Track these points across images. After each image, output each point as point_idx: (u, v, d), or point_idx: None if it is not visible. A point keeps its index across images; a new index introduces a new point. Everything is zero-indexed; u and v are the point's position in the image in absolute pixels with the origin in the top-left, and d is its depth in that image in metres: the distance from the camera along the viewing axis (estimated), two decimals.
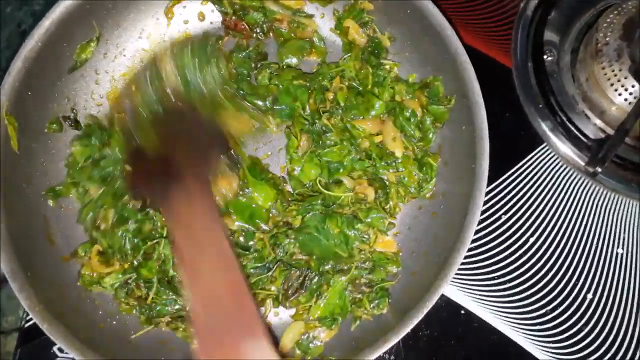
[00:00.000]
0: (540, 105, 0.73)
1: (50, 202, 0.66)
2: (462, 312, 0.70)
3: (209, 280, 0.47)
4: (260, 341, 0.44)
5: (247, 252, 0.66)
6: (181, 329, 0.65)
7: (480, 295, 0.70)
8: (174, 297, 0.64)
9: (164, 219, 0.64)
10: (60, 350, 0.70)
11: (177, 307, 0.65)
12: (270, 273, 0.66)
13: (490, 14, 0.80)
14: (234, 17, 0.73)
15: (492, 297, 0.70)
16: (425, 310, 0.59)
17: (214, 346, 0.44)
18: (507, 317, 0.69)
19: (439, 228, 0.66)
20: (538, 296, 0.70)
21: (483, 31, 0.79)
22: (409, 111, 0.69)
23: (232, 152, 0.66)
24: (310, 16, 0.75)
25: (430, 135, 0.69)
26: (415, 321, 0.58)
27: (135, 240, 0.65)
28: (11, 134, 0.62)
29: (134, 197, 0.64)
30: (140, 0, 0.72)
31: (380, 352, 0.58)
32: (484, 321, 0.69)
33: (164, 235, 0.65)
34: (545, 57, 0.75)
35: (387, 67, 0.72)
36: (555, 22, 0.76)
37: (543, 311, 0.69)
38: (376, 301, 0.65)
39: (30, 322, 0.71)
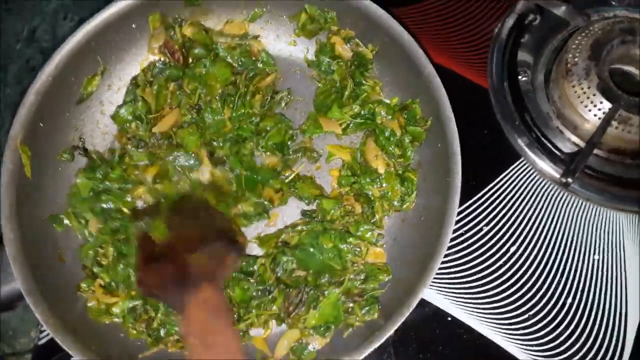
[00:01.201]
0: (517, 123, 0.77)
1: (59, 229, 0.71)
2: (449, 318, 0.73)
3: None
4: None
5: (250, 278, 0.70)
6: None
7: (465, 302, 0.73)
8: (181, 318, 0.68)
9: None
10: None
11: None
12: (271, 295, 0.70)
13: (467, 38, 0.85)
14: (176, 46, 0.77)
15: (477, 304, 0.73)
16: (407, 312, 0.63)
17: None
18: (491, 322, 0.72)
19: (420, 238, 0.70)
20: (521, 302, 0.73)
21: (460, 54, 0.84)
22: (389, 131, 0.74)
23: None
24: (256, 37, 0.80)
25: (409, 153, 0.75)
26: (398, 323, 0.63)
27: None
28: (25, 162, 0.67)
29: (145, 295, 0.67)
30: (140, 38, 0.77)
31: (367, 352, 0.62)
32: (469, 327, 0.72)
33: None
34: (520, 77, 0.80)
35: (370, 84, 0.77)
36: (528, 45, 0.81)
37: (526, 316, 0.73)
38: (367, 308, 0.69)
39: (44, 340, 0.74)
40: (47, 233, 0.69)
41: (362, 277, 0.71)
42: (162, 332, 0.68)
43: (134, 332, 0.68)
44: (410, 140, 0.74)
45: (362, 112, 0.76)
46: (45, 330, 0.74)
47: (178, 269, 0.56)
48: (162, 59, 0.79)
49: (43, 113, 0.69)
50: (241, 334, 0.69)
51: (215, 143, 0.76)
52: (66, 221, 0.71)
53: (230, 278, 0.69)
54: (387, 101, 0.77)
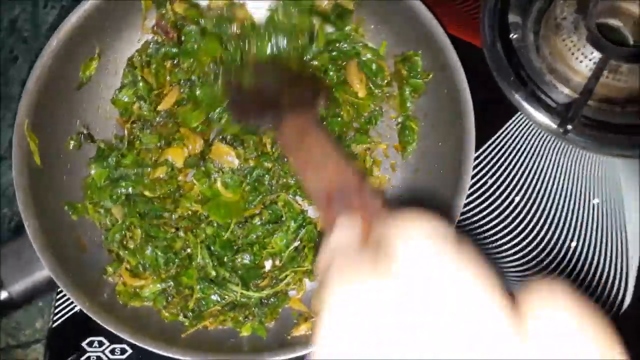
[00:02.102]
0: (512, 79, 0.80)
1: (74, 217, 0.70)
2: None
3: (323, 172, 0.47)
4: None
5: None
6: (230, 319, 0.69)
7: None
8: (219, 291, 0.68)
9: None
10: (89, 344, 0.73)
11: (225, 299, 0.68)
12: (303, 252, 0.71)
13: (458, 3, 0.88)
14: (169, 24, 0.77)
15: (489, 254, 0.77)
16: None
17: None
18: (504, 270, 0.76)
19: (438, 182, 0.72)
20: (527, 249, 0.77)
21: (453, 16, 0.86)
22: (375, 65, 0.76)
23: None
24: (242, 5, 0.79)
25: (408, 104, 0.76)
26: None
27: (167, 255, 0.69)
28: (33, 150, 0.66)
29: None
30: (133, 19, 0.76)
31: None
32: None
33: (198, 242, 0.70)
34: (511, 35, 0.82)
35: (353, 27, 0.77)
36: (516, 4, 0.84)
37: (533, 262, 0.76)
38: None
39: (57, 323, 0.75)
40: (64, 220, 0.69)
41: None
42: (199, 311, 0.68)
43: (167, 315, 0.68)
44: (410, 91, 0.76)
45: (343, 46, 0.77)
46: (57, 318, 0.75)
47: (269, 100, 0.59)
48: (156, 37, 0.78)
49: (45, 100, 0.68)
50: (281, 295, 0.71)
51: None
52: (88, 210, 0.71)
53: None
54: (374, 46, 0.78)
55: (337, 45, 0.77)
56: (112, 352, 0.73)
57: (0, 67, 0.90)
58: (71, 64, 0.72)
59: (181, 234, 0.70)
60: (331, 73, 0.76)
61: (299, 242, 0.72)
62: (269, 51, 0.72)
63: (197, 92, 0.75)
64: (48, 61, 0.68)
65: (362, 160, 0.76)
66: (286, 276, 0.70)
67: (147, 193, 0.71)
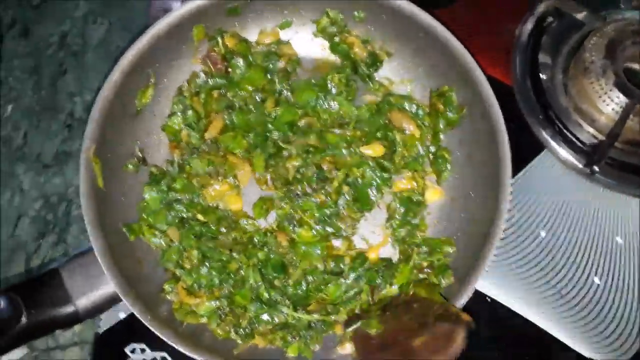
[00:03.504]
0: (541, 117, 0.85)
1: (131, 238, 0.74)
2: (488, 299, 0.80)
3: None
4: None
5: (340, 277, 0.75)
6: (279, 338, 0.72)
7: (502, 283, 0.81)
8: (270, 312, 0.72)
9: None
10: (132, 351, 0.78)
11: (275, 319, 0.72)
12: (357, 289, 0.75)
13: (491, 39, 0.92)
14: (219, 57, 0.81)
15: (514, 286, 0.81)
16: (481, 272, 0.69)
17: None
18: (529, 303, 0.80)
19: (474, 210, 0.76)
20: (552, 283, 0.80)
21: (484, 54, 0.89)
22: (414, 106, 0.80)
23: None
24: (287, 42, 0.84)
25: (441, 136, 0.80)
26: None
27: (222, 276, 0.73)
28: (97, 173, 0.71)
29: None
30: (184, 50, 0.81)
31: None
32: (508, 308, 0.80)
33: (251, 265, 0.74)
34: (541, 75, 0.87)
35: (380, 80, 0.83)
36: (547, 46, 0.88)
37: (558, 296, 0.80)
38: (441, 275, 0.73)
39: (104, 328, 0.80)
40: (123, 239, 0.73)
41: (426, 250, 0.76)
42: (250, 329, 0.72)
43: (220, 332, 0.72)
44: (445, 125, 0.80)
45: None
46: (104, 323, 0.79)
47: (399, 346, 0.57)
48: (204, 67, 0.82)
49: (106, 127, 0.73)
50: (328, 322, 0.74)
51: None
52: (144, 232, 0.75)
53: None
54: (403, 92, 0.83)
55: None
56: (153, 359, 0.78)
57: (49, 80, 0.95)
58: (129, 92, 0.76)
59: (235, 255, 0.74)
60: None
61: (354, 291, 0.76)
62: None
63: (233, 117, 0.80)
64: (110, 91, 0.73)
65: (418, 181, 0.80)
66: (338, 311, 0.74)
67: (200, 217, 0.75)
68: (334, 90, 0.81)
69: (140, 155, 0.78)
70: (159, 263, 0.75)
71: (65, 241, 0.87)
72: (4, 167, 0.91)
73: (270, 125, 0.80)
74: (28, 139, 0.92)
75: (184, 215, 0.76)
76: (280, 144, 0.79)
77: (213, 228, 0.75)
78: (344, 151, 0.79)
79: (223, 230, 0.76)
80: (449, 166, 0.79)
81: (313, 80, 0.82)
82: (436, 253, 0.75)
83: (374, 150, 0.79)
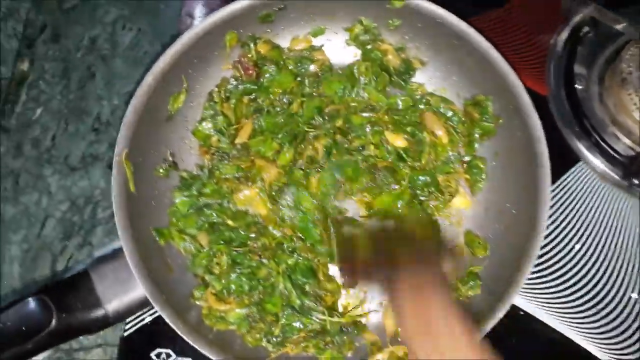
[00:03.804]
0: (576, 128, 0.83)
1: (161, 242, 0.74)
2: (521, 312, 0.79)
3: None
4: None
5: None
6: (312, 345, 0.71)
7: (535, 297, 0.79)
8: (303, 319, 0.71)
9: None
10: (157, 355, 0.78)
11: (308, 326, 0.71)
12: None
13: (525, 49, 0.91)
14: (251, 63, 0.81)
15: (546, 299, 0.79)
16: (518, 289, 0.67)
17: None
18: (562, 317, 0.78)
19: (509, 222, 0.74)
20: (588, 297, 0.79)
21: (518, 63, 0.89)
22: (450, 112, 0.79)
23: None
24: (320, 47, 0.84)
25: (476, 146, 0.79)
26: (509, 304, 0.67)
27: (252, 282, 0.72)
28: (129, 177, 0.70)
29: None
30: (217, 56, 0.80)
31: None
32: (542, 321, 0.78)
33: (280, 271, 0.73)
34: (576, 85, 0.85)
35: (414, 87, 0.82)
36: (582, 56, 0.87)
37: (594, 310, 0.78)
38: (470, 283, 0.73)
39: (129, 332, 0.79)
40: (153, 243, 0.73)
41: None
42: (282, 337, 0.71)
43: (250, 339, 0.71)
44: (480, 134, 0.79)
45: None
46: (129, 328, 0.79)
47: (384, 259, 0.55)
48: (235, 72, 0.82)
49: (139, 131, 0.72)
50: (359, 325, 0.74)
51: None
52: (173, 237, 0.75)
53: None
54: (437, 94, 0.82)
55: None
56: None
57: (78, 83, 0.95)
58: (162, 97, 0.76)
59: (264, 261, 0.74)
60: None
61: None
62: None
63: (262, 121, 0.79)
64: (143, 96, 0.72)
65: (447, 185, 0.79)
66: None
67: (229, 222, 0.75)
68: (362, 80, 0.80)
69: (171, 159, 0.78)
70: (189, 268, 0.75)
71: (90, 243, 0.87)
72: (32, 169, 0.91)
73: (299, 123, 0.80)
74: (56, 142, 0.93)
75: (214, 220, 0.75)
76: (306, 128, 0.79)
77: (243, 234, 0.75)
78: (367, 130, 0.78)
79: (252, 235, 0.75)
80: (484, 176, 0.78)
81: (339, 71, 0.81)
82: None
83: (397, 139, 0.78)
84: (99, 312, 0.63)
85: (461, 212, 0.80)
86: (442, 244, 0.67)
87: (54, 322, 0.60)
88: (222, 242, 0.74)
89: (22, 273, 0.86)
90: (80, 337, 0.82)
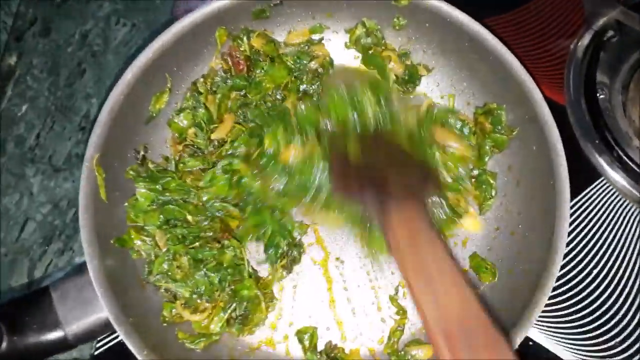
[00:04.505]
0: (597, 141, 0.76)
1: (134, 256, 0.68)
2: (531, 343, 0.72)
3: (440, 295, 0.44)
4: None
5: None
6: None
7: (547, 327, 0.73)
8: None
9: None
10: None
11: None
12: None
13: (543, 53, 0.84)
14: (242, 57, 0.75)
15: (560, 330, 0.73)
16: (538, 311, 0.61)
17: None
18: (578, 350, 0.72)
19: (522, 245, 0.68)
20: (607, 327, 0.73)
21: (536, 68, 0.82)
22: (459, 123, 0.73)
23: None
24: (320, 41, 0.78)
25: (486, 159, 0.73)
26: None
27: (220, 273, 0.67)
28: (100, 184, 0.65)
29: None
30: (206, 53, 0.75)
31: None
32: (552, 353, 0.72)
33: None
34: (598, 95, 0.78)
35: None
36: (605, 62, 0.80)
37: (608, 336, 0.72)
38: None
39: (100, 350, 0.74)
40: (125, 258, 0.67)
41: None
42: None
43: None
44: (491, 146, 0.72)
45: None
46: (100, 346, 0.74)
47: (376, 178, 0.55)
48: (224, 66, 0.76)
49: (115, 133, 0.67)
50: None
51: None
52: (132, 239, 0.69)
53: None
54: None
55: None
56: None
57: (67, 80, 0.91)
58: (142, 97, 0.71)
59: (226, 242, 0.69)
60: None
61: None
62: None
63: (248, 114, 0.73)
64: (121, 95, 0.67)
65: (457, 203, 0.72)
66: None
67: (189, 218, 0.69)
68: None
69: (142, 153, 0.72)
70: (148, 279, 0.68)
71: (72, 249, 0.83)
72: (14, 169, 0.87)
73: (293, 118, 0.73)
74: (40, 140, 0.89)
75: (171, 217, 0.70)
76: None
77: (194, 227, 0.69)
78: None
79: (205, 224, 0.70)
80: (493, 192, 0.72)
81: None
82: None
83: None
84: (57, 334, 0.57)
85: (468, 232, 0.74)
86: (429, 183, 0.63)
87: (4, 345, 0.54)
88: (177, 240, 0.68)
89: None
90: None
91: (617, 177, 0.75)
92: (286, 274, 0.72)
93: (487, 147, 0.72)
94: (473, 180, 0.74)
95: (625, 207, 0.77)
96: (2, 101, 0.90)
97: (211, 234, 0.70)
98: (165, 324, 0.66)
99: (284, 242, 0.71)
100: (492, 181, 0.72)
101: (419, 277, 0.45)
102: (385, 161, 0.62)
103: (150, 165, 0.73)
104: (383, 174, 0.58)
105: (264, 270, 0.73)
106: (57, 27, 0.94)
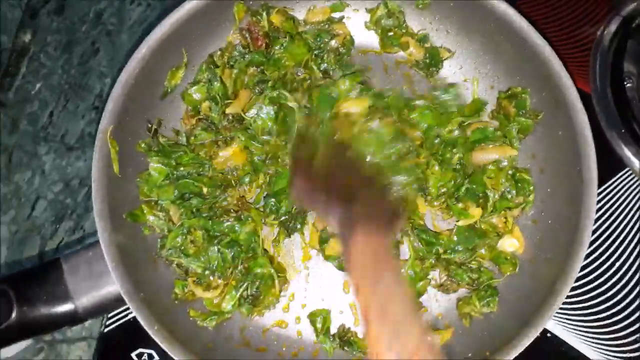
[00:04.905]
0: (623, 131, 0.74)
1: (145, 232, 0.67)
2: (548, 334, 0.71)
3: (387, 306, 0.45)
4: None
5: None
6: None
7: (566, 318, 0.72)
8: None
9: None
10: (139, 356, 0.71)
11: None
12: None
13: (568, 39, 0.82)
14: (261, 33, 0.73)
15: (580, 322, 0.71)
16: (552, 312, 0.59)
17: None
18: (597, 344, 0.70)
19: (545, 234, 0.66)
20: (629, 321, 0.71)
21: (560, 55, 0.80)
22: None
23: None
24: (341, 19, 0.76)
25: (516, 144, 0.70)
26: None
27: (234, 249, 0.66)
28: (113, 158, 0.64)
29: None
30: (224, 29, 0.74)
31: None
32: (569, 345, 0.70)
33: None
34: (625, 84, 0.76)
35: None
36: (633, 50, 0.78)
37: (625, 332, 0.70)
38: (486, 299, 0.65)
39: (110, 328, 0.73)
40: (138, 234, 0.66)
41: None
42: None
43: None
44: (518, 130, 0.70)
45: None
46: (110, 323, 0.73)
47: (338, 188, 0.53)
48: (243, 41, 0.74)
49: (129, 107, 0.66)
50: None
51: None
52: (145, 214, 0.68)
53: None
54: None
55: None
56: None
57: (80, 58, 0.90)
58: (158, 71, 0.70)
59: (245, 213, 0.68)
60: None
61: None
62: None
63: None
64: (136, 68, 0.66)
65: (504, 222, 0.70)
66: None
67: (205, 190, 0.68)
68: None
69: (156, 127, 0.71)
70: (161, 254, 0.67)
71: (82, 228, 0.82)
72: (27, 146, 0.86)
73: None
74: (53, 119, 0.88)
75: (189, 192, 0.68)
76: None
77: (209, 198, 0.68)
78: None
79: (217, 194, 0.69)
80: (532, 188, 0.69)
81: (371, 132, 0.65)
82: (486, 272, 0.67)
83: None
84: (67, 307, 0.56)
85: None
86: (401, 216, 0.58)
87: (14, 315, 0.53)
88: (191, 214, 0.67)
89: (9, 256, 0.81)
90: (66, 329, 0.76)
91: None
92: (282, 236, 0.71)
93: (514, 131, 0.69)
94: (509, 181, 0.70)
95: None
96: (17, 78, 0.89)
97: (226, 203, 0.69)
98: (177, 302, 0.65)
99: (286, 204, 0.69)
100: (527, 177, 0.69)
101: (377, 314, 0.44)
102: (359, 181, 0.58)
103: (162, 139, 0.71)
104: (353, 192, 0.55)
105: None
106: (72, 5, 0.93)
